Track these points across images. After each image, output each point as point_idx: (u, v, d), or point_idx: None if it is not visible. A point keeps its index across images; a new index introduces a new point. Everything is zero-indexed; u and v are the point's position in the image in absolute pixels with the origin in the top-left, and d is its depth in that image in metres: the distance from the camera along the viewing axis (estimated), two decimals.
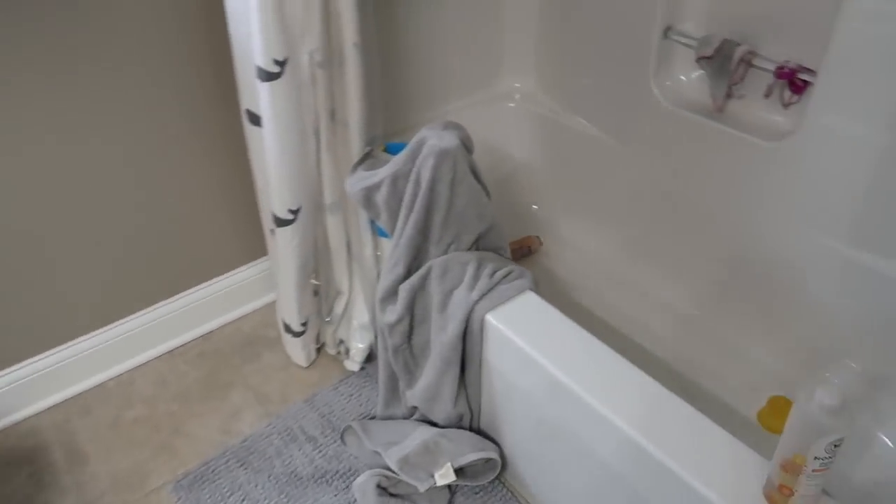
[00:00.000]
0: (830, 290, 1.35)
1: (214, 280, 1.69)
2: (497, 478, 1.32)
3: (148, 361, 1.64)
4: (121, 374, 1.60)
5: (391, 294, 1.27)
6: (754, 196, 1.43)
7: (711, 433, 0.95)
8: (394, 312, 1.25)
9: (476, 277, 1.21)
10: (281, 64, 1.16)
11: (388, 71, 1.56)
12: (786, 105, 1.34)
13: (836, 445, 0.75)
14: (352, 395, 1.53)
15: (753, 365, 1.47)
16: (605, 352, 1.09)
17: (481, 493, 1.31)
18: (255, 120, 1.27)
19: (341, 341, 1.59)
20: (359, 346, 1.53)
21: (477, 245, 1.28)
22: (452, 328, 1.19)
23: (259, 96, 1.21)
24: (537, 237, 1.82)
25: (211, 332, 1.72)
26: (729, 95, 1.43)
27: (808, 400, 0.76)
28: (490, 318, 1.16)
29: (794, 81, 1.29)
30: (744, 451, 0.92)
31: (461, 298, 1.19)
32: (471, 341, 1.20)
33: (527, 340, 1.11)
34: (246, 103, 1.28)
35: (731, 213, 1.48)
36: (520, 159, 1.88)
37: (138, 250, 1.51)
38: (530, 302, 1.19)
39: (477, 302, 1.18)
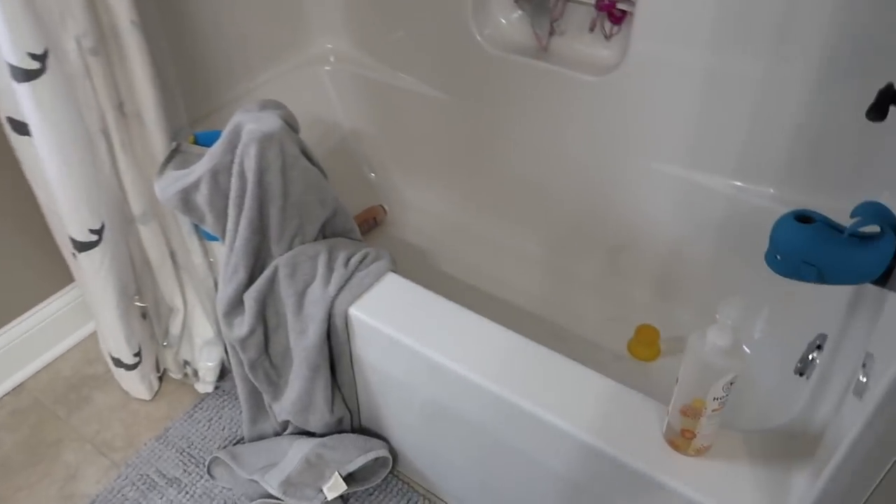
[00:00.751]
0: (670, 213, 1.39)
1: (13, 322, 1.41)
2: (390, 472, 1.23)
3: None
4: None
5: (236, 304, 1.11)
6: (588, 131, 1.42)
7: (600, 386, 0.93)
8: (243, 325, 1.10)
9: (330, 269, 1.09)
10: (40, 58, 0.93)
11: (179, 48, 1.35)
12: (608, 37, 1.33)
13: (731, 383, 0.75)
14: (211, 420, 1.36)
15: (613, 298, 1.50)
16: (475, 320, 1.03)
17: (376, 493, 1.22)
18: (21, 128, 1.03)
19: (186, 363, 1.40)
20: (208, 366, 1.36)
21: (323, 233, 1.15)
22: (314, 330, 1.07)
23: (19, 100, 0.97)
24: (381, 206, 1.72)
25: (22, 383, 1.44)
26: (552, 33, 1.40)
27: (700, 343, 0.74)
28: (354, 311, 1.05)
29: (612, 13, 1.28)
30: (637, 399, 0.90)
31: (318, 296, 1.07)
32: (337, 340, 1.09)
33: (396, 327, 1.02)
34: (4, 110, 1.03)
35: (568, 152, 1.47)
36: (347, 126, 1.74)
37: None
38: (392, 284, 1.10)
39: (336, 296, 1.06)
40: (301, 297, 1.08)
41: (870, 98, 1.06)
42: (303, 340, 1.08)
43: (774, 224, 0.94)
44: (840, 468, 0.61)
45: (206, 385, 1.38)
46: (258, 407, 1.26)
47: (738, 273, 1.33)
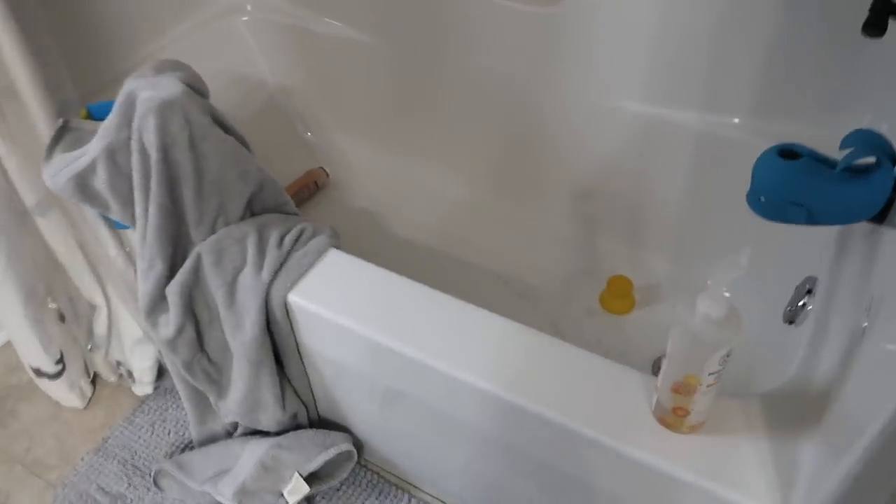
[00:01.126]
0: (633, 153, 1.27)
1: None
2: (357, 464, 1.13)
3: None
4: None
5: (158, 301, 0.97)
6: (539, 69, 1.28)
7: (578, 361, 0.82)
8: (169, 324, 0.96)
9: (261, 252, 0.95)
10: None
11: (65, 8, 1.15)
12: None
13: (727, 355, 0.65)
14: (154, 425, 1.23)
15: (579, 249, 1.39)
16: (431, 296, 0.91)
17: (344, 488, 1.12)
18: None
19: (119, 363, 1.26)
20: (143, 366, 1.22)
21: (251, 210, 1.01)
22: (251, 323, 0.94)
23: None
24: (322, 169, 1.57)
25: None
26: None
27: (690, 315, 0.64)
28: (293, 298, 0.92)
29: None
30: (619, 372, 0.80)
31: (250, 284, 0.93)
32: (278, 331, 0.96)
33: (342, 312, 0.90)
34: None
35: (520, 93, 1.34)
36: (274, 83, 1.57)
37: None
38: (335, 262, 0.97)
39: (271, 283, 0.93)
40: (232, 286, 0.95)
41: (844, 11, 0.95)
42: (240, 335, 0.96)
43: (756, 162, 0.84)
44: (873, 446, 0.52)
45: (144, 386, 1.25)
46: (203, 406, 1.13)
47: (712, 212, 1.23)
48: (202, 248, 0.94)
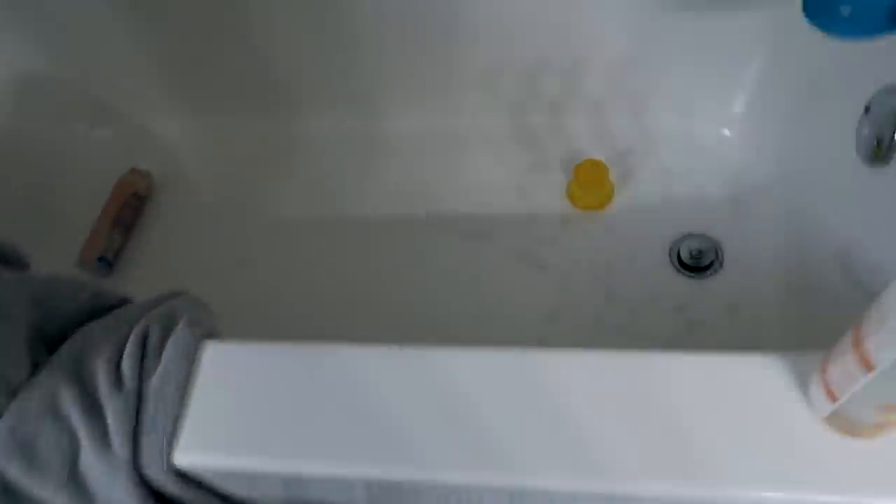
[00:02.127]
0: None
1: None
2: None
3: None
4: None
5: None
6: None
7: (626, 373, 0.52)
8: None
9: (95, 412, 0.56)
10: None
11: None
12: None
13: None
14: None
15: (521, 142, 1.05)
16: (372, 355, 0.57)
17: None
18: None
19: None
20: None
21: (46, 345, 0.60)
22: None
23: None
24: (135, 171, 1.11)
25: None
26: None
27: None
28: (183, 459, 0.56)
29: None
30: (729, 371, 0.51)
31: (102, 471, 0.55)
32: (185, 497, 0.60)
33: (259, 453, 0.55)
34: None
35: None
36: (19, 73, 1.06)
37: None
38: (216, 367, 0.59)
39: (136, 457, 0.55)
40: (76, 486, 0.56)
41: None
42: None
43: None
44: None
45: None
46: None
47: (670, 30, 0.90)
48: None
